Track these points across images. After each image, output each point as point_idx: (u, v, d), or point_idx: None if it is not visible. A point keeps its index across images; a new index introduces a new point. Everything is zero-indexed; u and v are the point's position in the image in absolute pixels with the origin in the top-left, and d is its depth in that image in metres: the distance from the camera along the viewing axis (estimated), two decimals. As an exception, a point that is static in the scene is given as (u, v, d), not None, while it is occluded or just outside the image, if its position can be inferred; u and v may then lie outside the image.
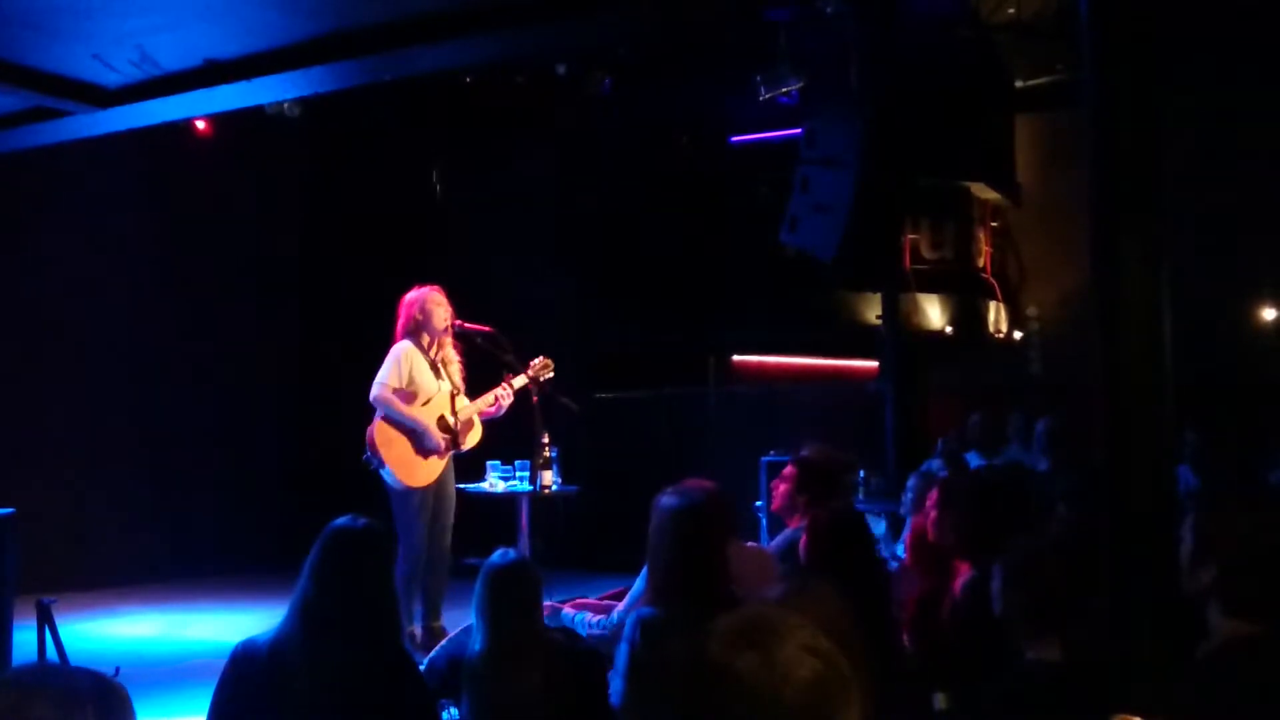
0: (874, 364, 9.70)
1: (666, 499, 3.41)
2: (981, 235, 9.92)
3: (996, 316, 9.92)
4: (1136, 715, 2.22)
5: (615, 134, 10.26)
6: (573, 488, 6.61)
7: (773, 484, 4.98)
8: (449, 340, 6.20)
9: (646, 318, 10.31)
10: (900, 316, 9.11)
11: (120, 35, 5.55)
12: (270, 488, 10.04)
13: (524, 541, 6.29)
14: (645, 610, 3.26)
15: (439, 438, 6.02)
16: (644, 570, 3.65)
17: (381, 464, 5.97)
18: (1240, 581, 2.46)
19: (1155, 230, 3.55)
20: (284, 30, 5.59)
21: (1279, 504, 3.98)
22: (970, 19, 9.08)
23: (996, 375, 9.78)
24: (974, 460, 7.28)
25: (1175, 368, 3.49)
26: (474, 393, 6.25)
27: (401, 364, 6.03)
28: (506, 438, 6.52)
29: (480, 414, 6.18)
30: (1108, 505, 3.52)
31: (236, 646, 3.04)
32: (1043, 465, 6.66)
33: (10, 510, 5.31)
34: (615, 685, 3.15)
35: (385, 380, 6.00)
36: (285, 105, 7.15)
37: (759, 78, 7.82)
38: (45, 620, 4.68)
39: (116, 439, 9.17)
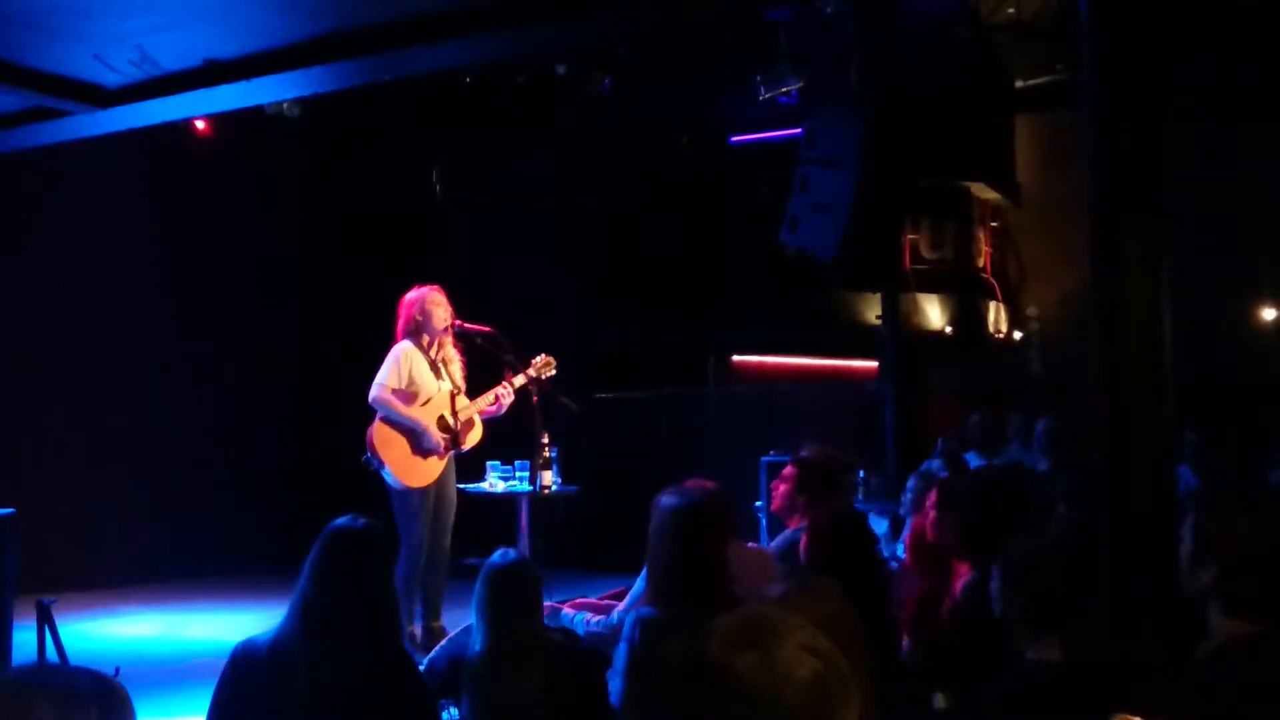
0: (874, 364, 9.69)
1: (666, 499, 3.41)
2: (981, 235, 9.93)
3: (996, 316, 9.92)
4: (1136, 715, 2.22)
5: (615, 134, 10.27)
6: (573, 488, 6.61)
7: (773, 484, 4.97)
8: (449, 340, 6.20)
9: (646, 318, 10.31)
10: (900, 316, 9.11)
11: (120, 35, 5.55)
12: (270, 488, 10.04)
13: (524, 541, 6.29)
14: (645, 610, 3.25)
15: (438, 437, 6.02)
16: (644, 570, 3.65)
17: (381, 465, 5.97)
18: (1240, 581, 2.46)
19: (1155, 230, 3.55)
20: (284, 30, 5.59)
21: (1279, 504, 3.98)
22: (970, 19, 9.08)
23: (996, 375, 9.78)
24: (974, 460, 7.28)
25: (1175, 368, 3.49)
26: (475, 393, 6.25)
27: (400, 364, 6.03)
28: (507, 438, 6.52)
29: (481, 413, 6.18)
30: (1108, 505, 3.52)
31: (236, 646, 3.04)
32: (1043, 465, 6.65)
33: (10, 510, 5.32)
34: (614, 685, 3.15)
35: (384, 381, 6.00)
36: (285, 105, 7.15)
37: (759, 78, 7.82)
38: (45, 620, 4.68)
39: (116, 439, 9.16)
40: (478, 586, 3.37)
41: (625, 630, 3.23)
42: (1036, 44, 9.35)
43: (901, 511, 5.78)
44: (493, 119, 9.99)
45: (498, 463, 6.53)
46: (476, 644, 3.33)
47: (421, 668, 3.42)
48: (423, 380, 6.05)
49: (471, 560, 4.71)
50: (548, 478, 6.29)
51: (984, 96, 9.51)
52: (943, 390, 9.50)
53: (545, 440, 6.26)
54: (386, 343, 6.14)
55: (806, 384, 10.70)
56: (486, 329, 6.28)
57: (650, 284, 10.27)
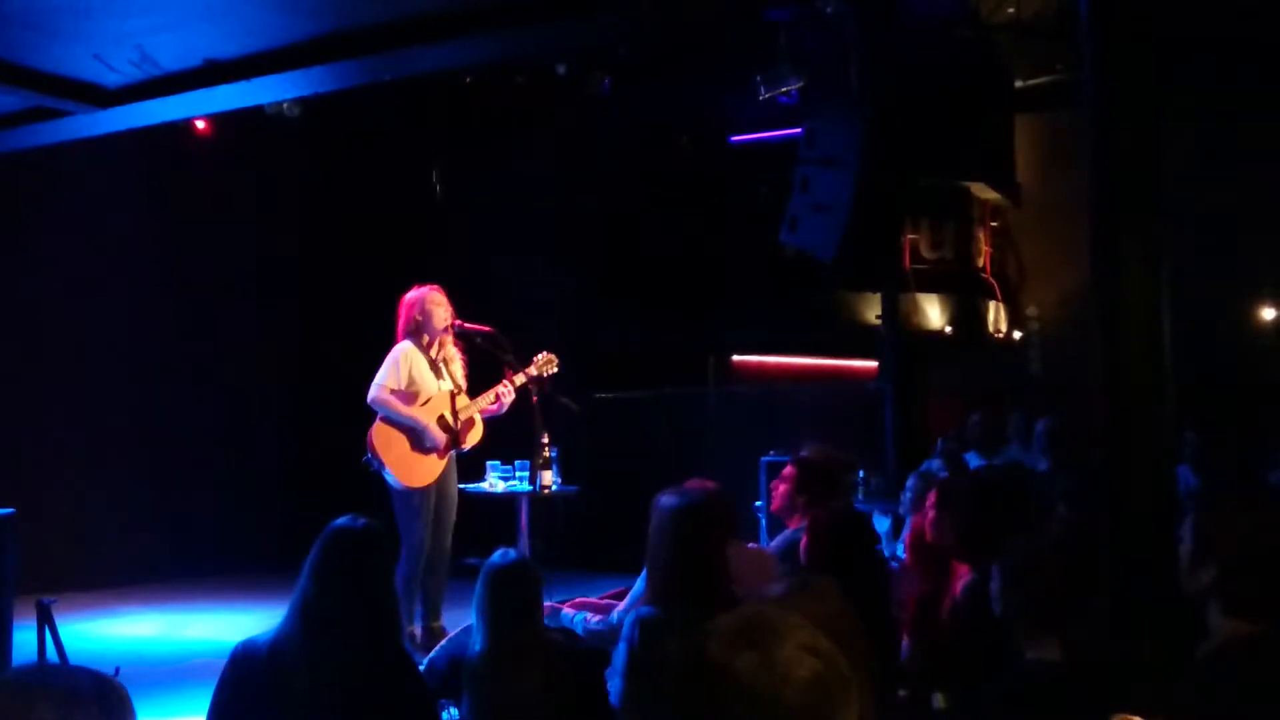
0: (874, 364, 9.70)
1: (666, 499, 3.41)
2: (981, 235, 9.93)
3: (996, 316, 9.92)
4: (1136, 715, 2.21)
5: (615, 134, 10.26)
6: (573, 488, 6.61)
7: (772, 484, 4.97)
8: (450, 339, 6.20)
9: (646, 318, 10.31)
10: (900, 316, 9.12)
11: (120, 35, 5.55)
12: (270, 488, 10.04)
13: (524, 541, 6.29)
14: (645, 610, 3.25)
15: (438, 436, 6.01)
16: (644, 570, 3.65)
17: (382, 465, 5.97)
18: (1240, 581, 2.46)
19: (1155, 230, 3.55)
20: (284, 30, 5.59)
21: (1279, 504, 3.98)
22: (970, 19, 9.08)
23: (996, 375, 9.77)
24: (974, 460, 7.27)
25: (1175, 368, 3.49)
26: (475, 393, 6.25)
27: (400, 365, 6.03)
28: (507, 438, 6.52)
29: (482, 412, 6.18)
30: (1108, 505, 3.52)
31: (236, 646, 3.04)
32: (1043, 465, 6.65)
33: (10, 510, 5.32)
34: (614, 685, 3.15)
35: (383, 381, 6.00)
36: (285, 105, 7.14)
37: (759, 78, 7.81)
38: (45, 620, 4.68)
39: (116, 439, 9.17)
40: (478, 586, 3.37)
41: (625, 630, 3.23)
42: (1036, 44, 9.35)
43: (901, 511, 5.78)
44: (493, 119, 9.99)
45: (498, 463, 6.53)
46: (476, 644, 3.33)
47: (421, 668, 3.42)
48: (423, 380, 6.05)
49: (471, 560, 4.72)
50: (548, 478, 6.29)
51: (984, 96, 9.51)
52: (943, 390, 9.50)
53: (545, 440, 6.26)
54: (386, 343, 6.14)
55: (806, 384, 10.70)
56: (487, 329, 6.28)
57: (650, 284, 10.27)
